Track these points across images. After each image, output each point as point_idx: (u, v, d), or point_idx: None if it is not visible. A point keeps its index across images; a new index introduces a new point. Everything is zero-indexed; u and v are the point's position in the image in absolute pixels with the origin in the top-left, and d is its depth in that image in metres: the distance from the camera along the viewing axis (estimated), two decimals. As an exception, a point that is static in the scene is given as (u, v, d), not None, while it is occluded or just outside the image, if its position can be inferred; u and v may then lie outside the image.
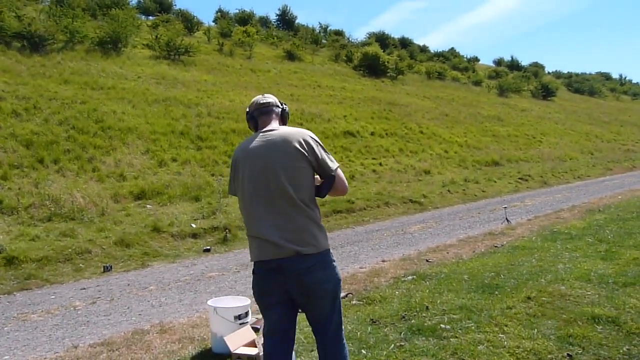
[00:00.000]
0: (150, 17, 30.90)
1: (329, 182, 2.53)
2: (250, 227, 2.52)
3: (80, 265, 7.12)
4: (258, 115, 2.68)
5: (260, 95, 2.77)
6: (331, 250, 2.56)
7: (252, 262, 2.55)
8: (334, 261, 2.55)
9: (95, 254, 7.50)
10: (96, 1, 25.50)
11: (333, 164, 2.52)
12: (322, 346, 2.61)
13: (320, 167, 2.50)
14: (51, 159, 10.44)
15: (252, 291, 2.59)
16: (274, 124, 2.65)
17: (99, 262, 7.26)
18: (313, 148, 2.48)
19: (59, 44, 17.87)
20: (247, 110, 2.76)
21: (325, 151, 2.55)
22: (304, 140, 2.49)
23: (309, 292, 2.46)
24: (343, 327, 2.66)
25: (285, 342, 2.57)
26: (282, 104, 2.76)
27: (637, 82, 74.30)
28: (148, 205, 9.78)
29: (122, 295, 5.84)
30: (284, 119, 2.75)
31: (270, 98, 2.73)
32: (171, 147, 12.78)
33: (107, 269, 7.02)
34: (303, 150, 2.45)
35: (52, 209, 8.64)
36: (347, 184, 2.60)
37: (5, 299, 5.82)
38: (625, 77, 72.74)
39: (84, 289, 6.17)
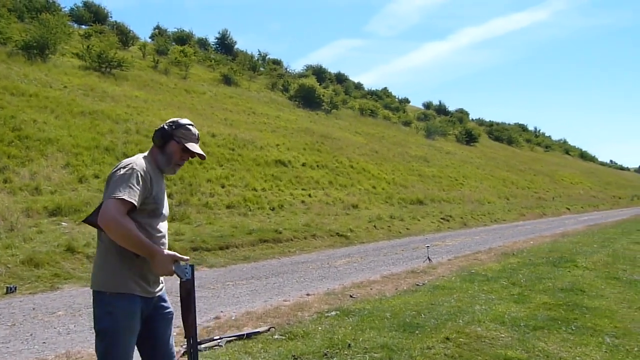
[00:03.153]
0: (84, 26, 29.83)
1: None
2: None
3: (-20, 284, 6.52)
4: None
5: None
6: (109, 294, 2.34)
7: None
8: (106, 306, 2.33)
9: (-1, 272, 6.91)
10: (24, 3, 24.32)
11: (112, 193, 2.25)
12: None
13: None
14: (-43, 166, 9.64)
15: None
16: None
17: (1, 283, 6.69)
18: (110, 176, 2.35)
19: (-21, 43, 16.80)
20: None
21: (124, 181, 2.29)
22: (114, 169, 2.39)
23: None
24: None
25: None
26: (161, 126, 2.57)
27: (549, 136, 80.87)
28: (63, 223, 9.20)
29: (26, 320, 5.39)
30: (154, 141, 2.57)
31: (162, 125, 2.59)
32: (94, 163, 12.19)
33: (10, 290, 6.47)
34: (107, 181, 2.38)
35: (-47, 220, 7.93)
36: (109, 216, 2.21)
37: None
38: (539, 130, 79.14)
39: (-18, 311, 5.65)
